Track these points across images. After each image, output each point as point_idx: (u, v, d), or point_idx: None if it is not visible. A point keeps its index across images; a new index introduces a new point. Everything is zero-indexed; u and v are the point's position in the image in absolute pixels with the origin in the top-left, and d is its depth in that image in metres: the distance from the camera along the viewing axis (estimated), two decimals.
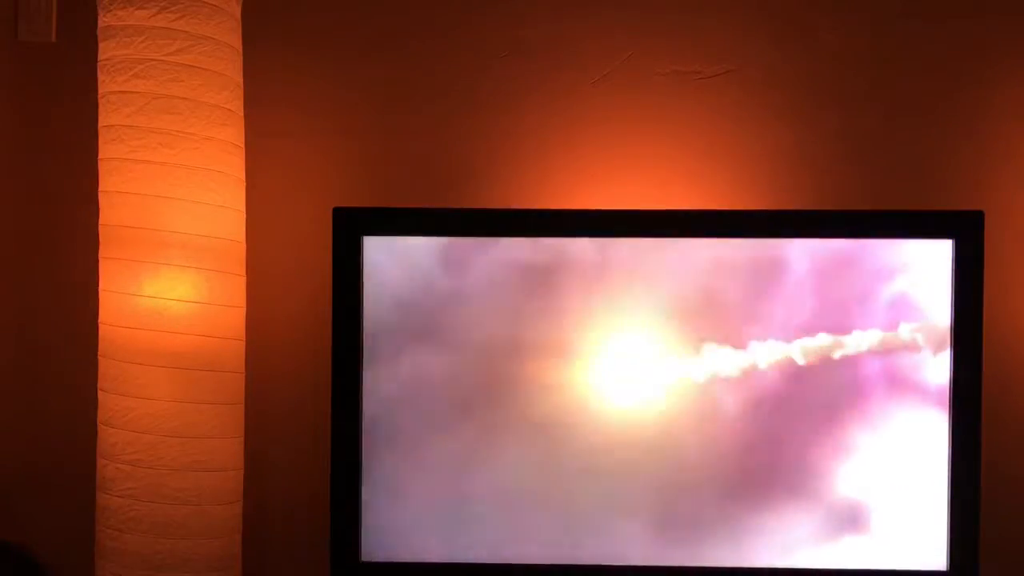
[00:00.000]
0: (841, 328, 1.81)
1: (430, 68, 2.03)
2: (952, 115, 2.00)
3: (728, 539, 1.82)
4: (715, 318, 1.82)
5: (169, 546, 1.77)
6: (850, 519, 1.82)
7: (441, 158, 2.01)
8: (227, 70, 1.80)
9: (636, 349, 1.82)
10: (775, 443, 1.82)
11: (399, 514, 1.83)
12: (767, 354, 1.82)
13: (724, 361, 1.82)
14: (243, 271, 1.86)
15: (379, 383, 1.83)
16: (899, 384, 1.82)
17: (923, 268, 1.80)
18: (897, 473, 1.82)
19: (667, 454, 1.83)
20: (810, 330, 1.82)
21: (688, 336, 1.82)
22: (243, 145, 1.85)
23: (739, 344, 1.82)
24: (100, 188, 1.79)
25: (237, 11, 1.83)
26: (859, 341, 1.82)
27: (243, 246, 1.86)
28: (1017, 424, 1.97)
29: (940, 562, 1.82)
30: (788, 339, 1.82)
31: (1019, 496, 1.98)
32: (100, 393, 1.79)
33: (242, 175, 1.85)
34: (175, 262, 1.75)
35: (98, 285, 1.79)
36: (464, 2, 2.03)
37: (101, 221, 1.79)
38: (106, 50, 1.78)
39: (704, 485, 1.82)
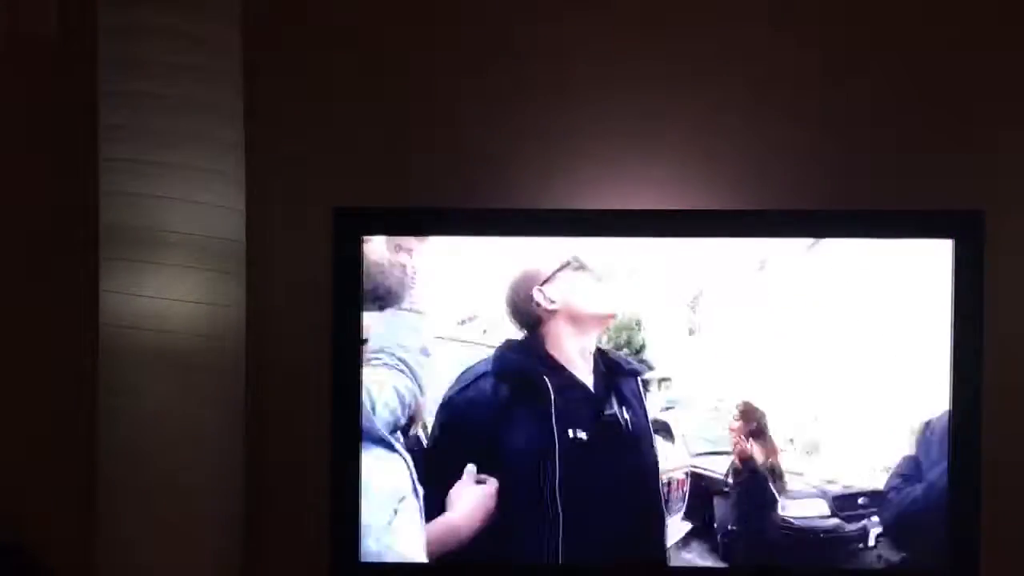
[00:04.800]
0: (841, 329, 1.82)
1: (431, 68, 2.03)
2: (952, 115, 2.00)
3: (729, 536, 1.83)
4: (714, 317, 1.82)
5: (169, 545, 1.77)
6: (850, 519, 1.83)
7: (442, 158, 2.01)
8: (227, 70, 1.80)
9: (636, 348, 1.83)
10: (773, 440, 1.83)
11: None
12: (765, 354, 1.82)
13: (722, 361, 1.83)
14: (243, 271, 1.86)
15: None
16: (899, 384, 1.82)
17: (923, 268, 1.81)
18: (898, 473, 1.82)
19: (664, 455, 1.83)
20: (810, 330, 1.82)
21: (689, 335, 1.82)
22: (243, 145, 1.85)
23: (738, 343, 1.82)
24: (100, 188, 1.79)
25: (237, 11, 1.83)
26: (859, 342, 1.82)
27: (243, 246, 1.86)
28: (1017, 424, 1.97)
29: (940, 562, 1.82)
30: (788, 339, 1.82)
31: (1019, 496, 1.98)
32: (100, 393, 1.79)
33: (242, 175, 1.85)
34: (175, 262, 1.75)
35: (98, 285, 1.79)
36: (465, 2, 2.03)
37: (101, 221, 1.79)
38: (107, 49, 1.78)
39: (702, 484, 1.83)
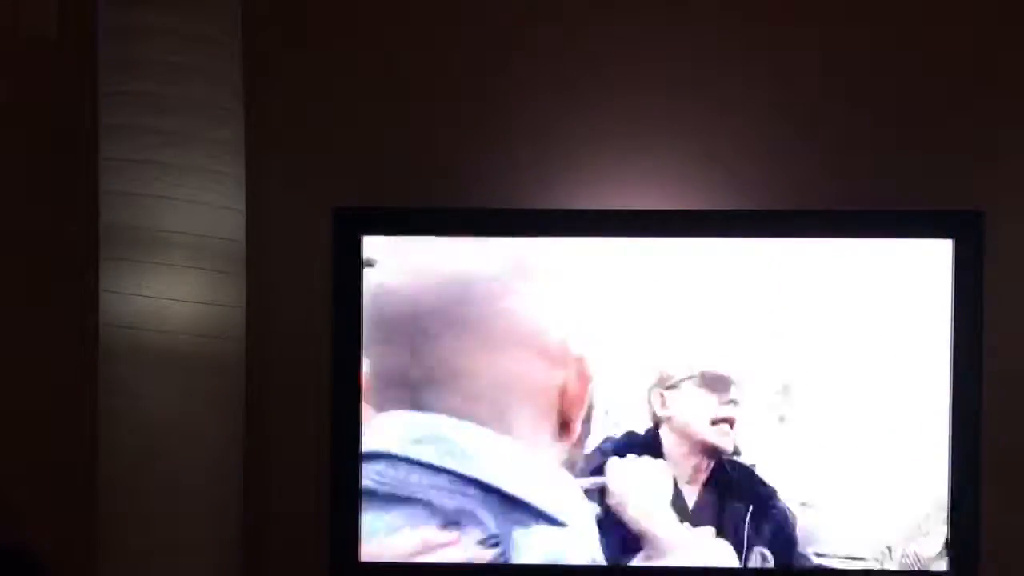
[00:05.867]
0: (841, 328, 1.82)
1: (431, 68, 2.03)
2: (953, 116, 2.00)
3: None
4: (713, 317, 1.82)
5: (169, 546, 1.76)
6: (850, 519, 1.83)
7: (442, 158, 2.01)
8: (227, 70, 1.80)
9: (635, 349, 1.83)
10: (773, 446, 1.83)
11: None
12: (766, 356, 1.82)
13: (721, 362, 1.83)
14: (243, 271, 1.86)
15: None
16: (898, 383, 1.82)
17: (923, 268, 1.81)
18: (897, 473, 1.82)
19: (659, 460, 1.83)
20: (811, 330, 1.82)
21: (687, 336, 1.82)
22: (243, 145, 1.85)
23: (738, 344, 1.82)
24: (100, 188, 1.79)
25: (237, 11, 1.83)
26: (859, 341, 1.82)
27: (243, 246, 1.86)
28: (1017, 424, 1.97)
29: (940, 562, 1.82)
30: (788, 339, 1.82)
31: (1019, 496, 1.98)
32: (100, 393, 1.79)
33: (242, 175, 1.85)
34: (175, 262, 1.75)
35: (98, 285, 1.79)
36: (465, 2, 2.03)
37: (101, 221, 1.79)
38: (107, 49, 1.78)
39: (697, 487, 1.83)
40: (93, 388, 1.81)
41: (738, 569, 1.82)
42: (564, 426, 1.79)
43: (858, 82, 2.00)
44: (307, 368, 1.98)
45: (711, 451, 1.80)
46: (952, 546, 1.80)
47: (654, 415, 1.80)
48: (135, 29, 1.74)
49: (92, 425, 1.81)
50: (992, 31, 2.00)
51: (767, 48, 2.01)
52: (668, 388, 1.79)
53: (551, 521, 1.78)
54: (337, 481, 1.83)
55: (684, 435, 1.80)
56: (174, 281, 1.75)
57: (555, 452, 1.80)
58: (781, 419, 1.82)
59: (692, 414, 1.79)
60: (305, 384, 1.98)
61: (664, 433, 1.80)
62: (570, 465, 1.79)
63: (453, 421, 1.79)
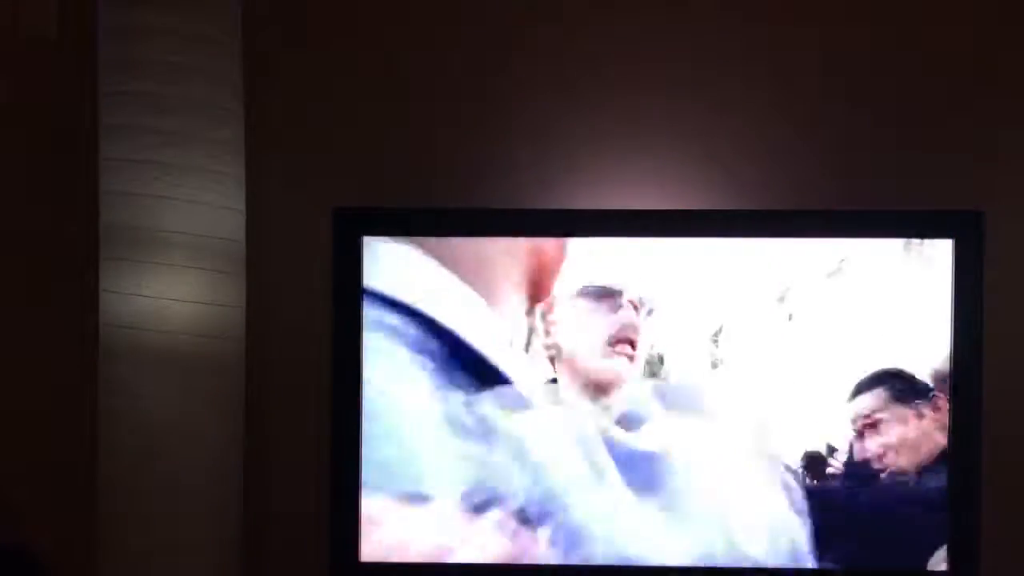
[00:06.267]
0: (841, 328, 1.82)
1: (431, 68, 2.03)
2: (953, 116, 2.00)
3: (727, 535, 1.83)
4: (713, 318, 1.82)
5: (169, 546, 1.77)
6: (849, 519, 1.83)
7: (442, 158, 2.01)
8: (227, 70, 1.80)
9: (634, 350, 1.83)
10: (771, 447, 1.83)
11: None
12: (765, 357, 1.82)
13: (721, 361, 1.83)
14: (243, 271, 1.86)
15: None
16: (898, 383, 1.82)
17: (923, 268, 1.81)
18: (896, 473, 1.82)
19: (659, 460, 1.83)
20: (810, 330, 1.82)
21: (687, 337, 1.82)
22: (243, 145, 1.85)
23: (737, 343, 1.82)
24: (100, 188, 1.79)
25: (237, 11, 1.83)
26: (860, 340, 1.82)
27: (243, 246, 1.86)
28: (1017, 424, 1.97)
29: (940, 562, 1.82)
30: (789, 339, 1.82)
31: (1019, 496, 1.98)
32: (100, 393, 1.79)
33: (242, 175, 1.85)
34: (175, 262, 1.75)
35: (98, 285, 1.79)
36: (465, 2, 2.03)
37: (101, 221, 1.79)
38: (107, 49, 1.78)
39: (695, 487, 1.83)
40: (93, 388, 1.81)
41: (741, 569, 1.82)
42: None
43: (858, 82, 2.00)
44: (307, 368, 1.98)
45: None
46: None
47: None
48: (135, 29, 1.74)
49: (92, 425, 1.81)
50: (992, 31, 2.00)
51: (767, 48, 2.01)
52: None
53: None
54: (337, 481, 1.83)
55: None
56: (174, 281, 1.75)
57: None
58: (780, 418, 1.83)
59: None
60: (305, 384, 1.99)
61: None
62: None
63: None
